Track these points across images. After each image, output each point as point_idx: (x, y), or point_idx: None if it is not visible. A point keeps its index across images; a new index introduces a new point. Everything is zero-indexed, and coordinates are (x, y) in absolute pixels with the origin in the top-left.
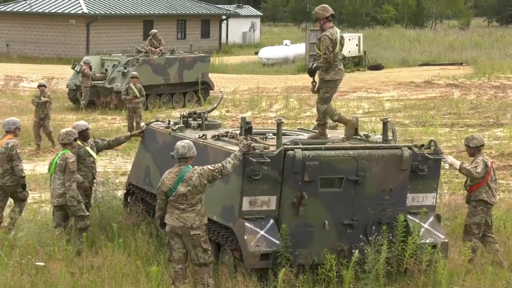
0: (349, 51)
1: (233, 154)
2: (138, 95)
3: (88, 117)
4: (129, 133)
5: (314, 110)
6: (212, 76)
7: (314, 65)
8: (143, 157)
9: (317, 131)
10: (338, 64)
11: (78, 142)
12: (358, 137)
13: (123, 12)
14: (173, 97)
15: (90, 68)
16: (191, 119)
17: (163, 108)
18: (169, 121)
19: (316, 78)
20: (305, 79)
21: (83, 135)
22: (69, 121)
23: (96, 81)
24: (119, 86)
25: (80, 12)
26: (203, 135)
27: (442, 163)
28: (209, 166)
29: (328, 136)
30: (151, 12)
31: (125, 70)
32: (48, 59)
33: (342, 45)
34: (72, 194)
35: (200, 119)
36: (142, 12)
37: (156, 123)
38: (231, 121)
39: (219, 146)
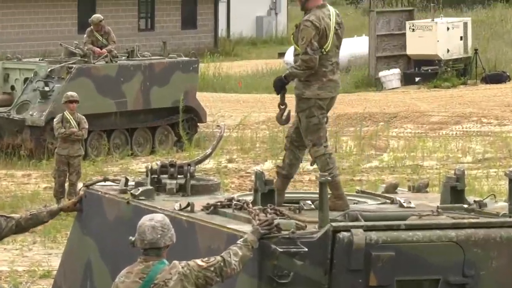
0: (448, 50)
1: (242, 239)
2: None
3: None
4: (57, 205)
5: (386, 156)
6: (203, 97)
7: (287, 71)
8: (80, 245)
9: (394, 196)
10: (329, 72)
11: None
12: (465, 205)
13: None
14: (133, 136)
15: None
16: (166, 175)
17: (116, 156)
18: (127, 179)
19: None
20: (368, 101)
21: None
22: None
23: None
24: (35, 117)
25: None
26: (188, 204)
27: None
28: (198, 261)
29: (409, 204)
30: None
31: (46, 88)
32: None
33: (339, 36)
34: None
35: (182, 175)
36: None
37: (103, 184)
38: (237, 178)
39: (217, 224)
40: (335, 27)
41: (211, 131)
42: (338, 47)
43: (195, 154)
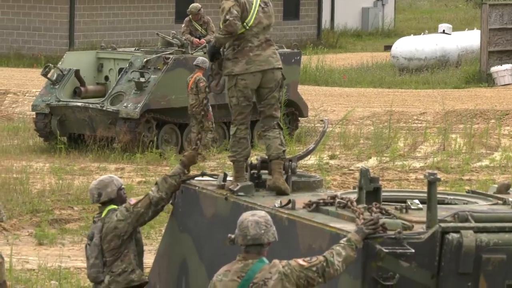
0: None
1: (345, 239)
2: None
3: (73, 166)
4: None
5: (497, 155)
6: (305, 90)
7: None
8: (176, 242)
9: (507, 197)
10: (254, 48)
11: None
12: None
13: None
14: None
15: (79, 77)
16: (266, 171)
17: (214, 150)
18: (226, 174)
19: None
20: (479, 97)
21: (119, 196)
22: (35, 174)
23: (86, 99)
24: (130, 109)
25: None
26: (289, 201)
27: None
28: (300, 261)
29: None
30: None
31: (141, 79)
32: None
33: (267, 14)
34: None
35: (284, 171)
36: None
37: (200, 179)
38: (339, 175)
39: (319, 223)
40: (260, 4)
41: (312, 126)
42: (268, 23)
43: (296, 149)
